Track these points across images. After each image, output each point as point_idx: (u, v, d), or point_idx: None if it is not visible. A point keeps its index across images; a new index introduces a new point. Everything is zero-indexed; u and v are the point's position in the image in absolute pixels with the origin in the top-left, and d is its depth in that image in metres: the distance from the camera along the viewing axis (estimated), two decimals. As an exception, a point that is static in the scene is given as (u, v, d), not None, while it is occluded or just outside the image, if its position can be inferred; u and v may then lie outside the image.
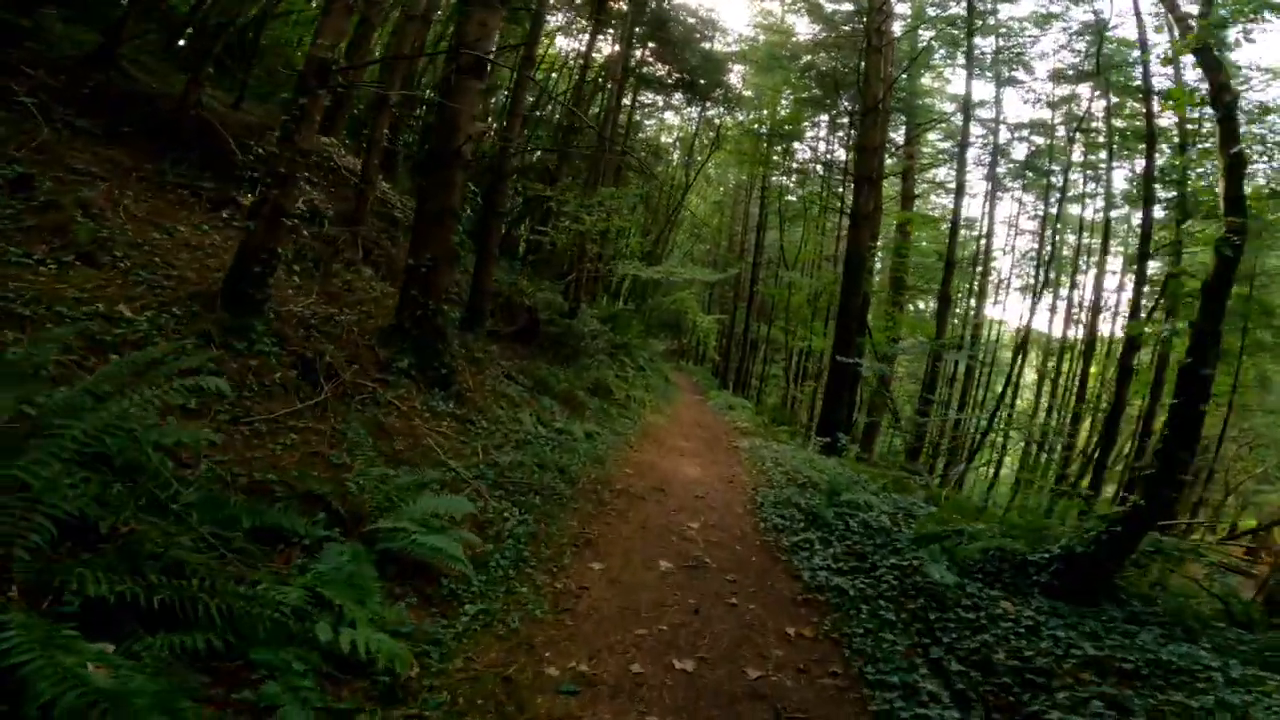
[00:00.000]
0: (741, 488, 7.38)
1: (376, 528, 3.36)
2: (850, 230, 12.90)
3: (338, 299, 7.53)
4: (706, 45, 20.60)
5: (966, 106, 14.47)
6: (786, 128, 23.83)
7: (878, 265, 22.73)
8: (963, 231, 26.60)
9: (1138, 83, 12.13)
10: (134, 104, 7.44)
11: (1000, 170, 20.54)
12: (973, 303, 23.09)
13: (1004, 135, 19.97)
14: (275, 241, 4.99)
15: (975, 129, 19.22)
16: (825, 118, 24.56)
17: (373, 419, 5.30)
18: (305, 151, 5.14)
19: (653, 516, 5.68)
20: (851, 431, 12.51)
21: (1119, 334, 15.65)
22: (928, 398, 12.54)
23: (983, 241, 19.96)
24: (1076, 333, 19.85)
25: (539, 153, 19.46)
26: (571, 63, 20.58)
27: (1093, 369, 14.31)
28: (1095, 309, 12.59)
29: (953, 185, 24.09)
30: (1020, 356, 11.59)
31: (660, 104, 25.32)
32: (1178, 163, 9.83)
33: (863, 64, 13.90)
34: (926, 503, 6.41)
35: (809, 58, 22.29)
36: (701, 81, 20.58)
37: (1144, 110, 11.36)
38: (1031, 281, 23.05)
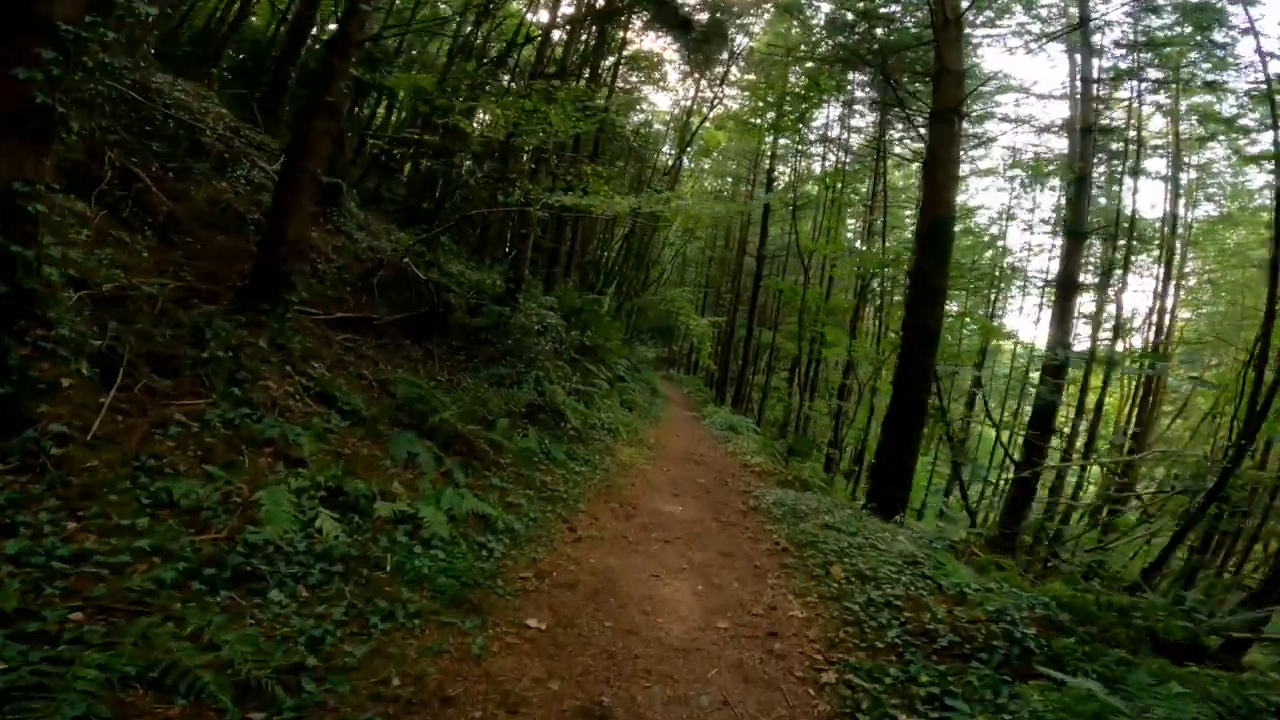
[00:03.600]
0: (809, 680, 3.02)
1: None
2: (928, 180, 8.64)
3: None
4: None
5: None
6: (807, 98, 19.70)
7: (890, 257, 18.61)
8: (991, 230, 22.53)
9: None
10: None
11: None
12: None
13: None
14: None
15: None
16: (838, 102, 20.64)
17: None
18: None
19: None
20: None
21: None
22: (1043, 430, 7.89)
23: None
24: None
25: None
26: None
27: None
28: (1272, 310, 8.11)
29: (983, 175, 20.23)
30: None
31: (654, 81, 21.17)
32: None
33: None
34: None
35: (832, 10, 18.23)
36: (700, 23, 16.26)
37: None
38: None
